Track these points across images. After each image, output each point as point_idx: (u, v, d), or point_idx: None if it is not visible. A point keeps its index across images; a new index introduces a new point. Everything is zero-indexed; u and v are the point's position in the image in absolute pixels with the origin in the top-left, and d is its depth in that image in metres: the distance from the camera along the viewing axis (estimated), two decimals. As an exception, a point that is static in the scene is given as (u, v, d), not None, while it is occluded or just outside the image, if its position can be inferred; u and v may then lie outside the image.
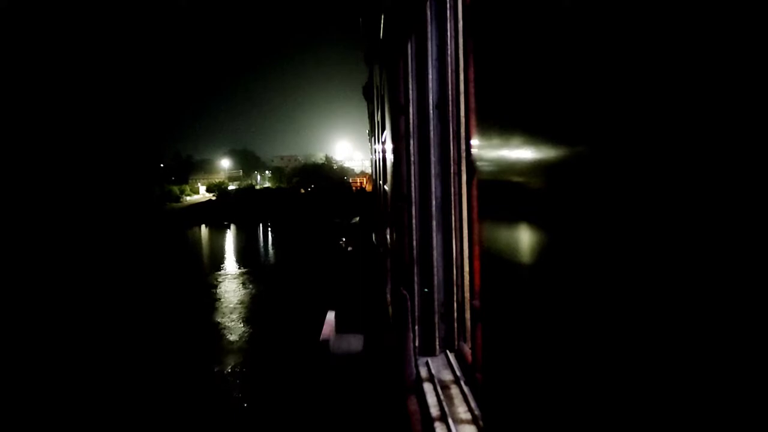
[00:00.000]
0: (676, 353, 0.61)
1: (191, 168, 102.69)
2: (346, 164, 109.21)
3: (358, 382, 5.70)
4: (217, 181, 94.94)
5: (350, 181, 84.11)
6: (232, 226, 49.02)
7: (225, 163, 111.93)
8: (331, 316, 7.50)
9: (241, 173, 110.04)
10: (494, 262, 1.48)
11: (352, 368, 6.23)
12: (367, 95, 14.76)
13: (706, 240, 0.56)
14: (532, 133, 1.09)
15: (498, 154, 1.38)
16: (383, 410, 4.35)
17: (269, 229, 46.40)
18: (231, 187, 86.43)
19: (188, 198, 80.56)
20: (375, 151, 12.13)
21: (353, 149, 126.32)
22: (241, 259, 27.19)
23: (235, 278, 21.14)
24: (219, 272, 22.80)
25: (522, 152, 1.17)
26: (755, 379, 0.50)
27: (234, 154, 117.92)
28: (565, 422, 0.96)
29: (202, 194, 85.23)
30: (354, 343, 7.01)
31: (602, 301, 0.79)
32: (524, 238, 1.18)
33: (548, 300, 1.03)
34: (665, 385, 0.63)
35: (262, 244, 36.45)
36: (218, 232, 46.16)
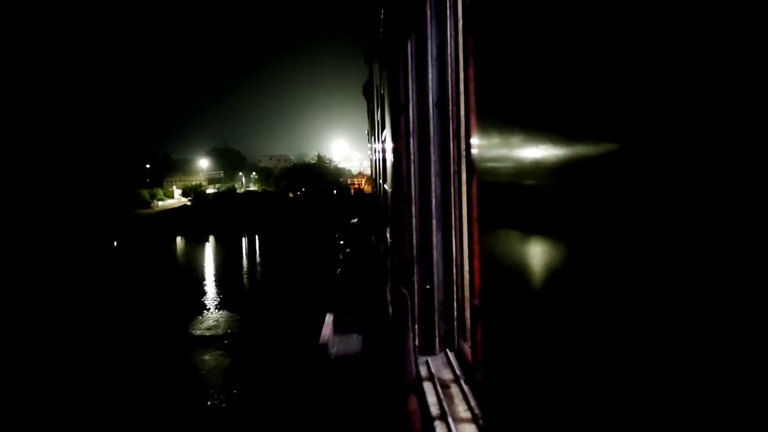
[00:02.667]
0: (676, 350, 0.61)
1: (168, 168, 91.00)
2: (343, 164, 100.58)
3: (358, 382, 5.71)
4: (193, 183, 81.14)
5: (347, 182, 76.26)
6: (211, 239, 40.36)
7: (205, 164, 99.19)
8: (329, 318, 7.51)
9: (222, 174, 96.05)
10: (494, 261, 1.48)
11: (352, 369, 6.23)
12: (367, 94, 14.76)
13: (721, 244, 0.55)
14: (533, 133, 1.10)
15: (498, 153, 1.38)
16: (383, 409, 4.35)
17: (255, 241, 38.02)
18: (210, 191, 75.38)
19: (160, 203, 68.46)
20: (375, 151, 12.13)
21: (351, 149, 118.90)
22: (224, 293, 20.55)
23: (218, 347, 14.26)
24: (195, 322, 16.27)
25: (522, 151, 1.17)
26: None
27: (216, 153, 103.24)
28: (565, 421, 0.96)
29: (178, 198, 73.78)
30: (354, 343, 7.01)
31: (602, 299, 0.79)
32: (524, 237, 1.18)
33: (548, 299, 1.03)
34: (664, 384, 0.63)
35: (247, 265, 28.98)
36: (194, 246, 37.11)
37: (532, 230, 1.12)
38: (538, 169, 1.06)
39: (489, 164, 1.49)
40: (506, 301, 1.36)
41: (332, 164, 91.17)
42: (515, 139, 1.23)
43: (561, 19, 0.92)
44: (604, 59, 0.77)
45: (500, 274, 1.42)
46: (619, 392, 0.75)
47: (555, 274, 0.99)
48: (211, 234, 42.88)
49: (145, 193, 68.09)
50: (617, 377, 0.75)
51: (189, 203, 62.05)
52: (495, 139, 1.40)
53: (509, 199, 1.30)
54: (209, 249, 36.21)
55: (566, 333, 0.94)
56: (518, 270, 1.22)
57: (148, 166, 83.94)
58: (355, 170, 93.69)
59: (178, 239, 41.26)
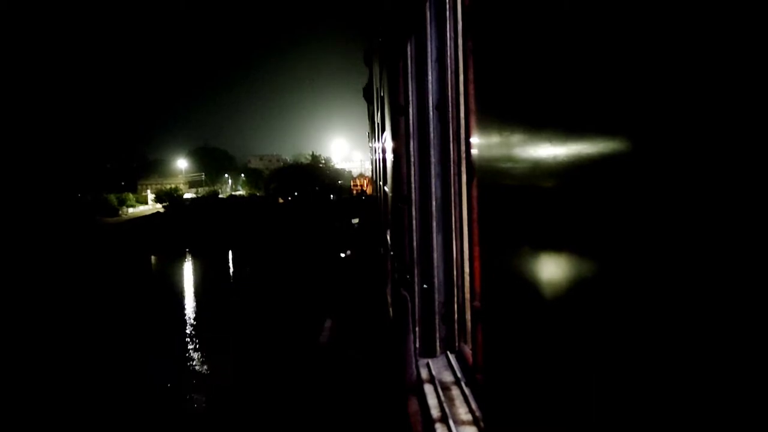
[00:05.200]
0: (675, 352, 0.61)
1: (144, 170, 78.89)
2: (342, 165, 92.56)
3: (358, 384, 5.70)
4: (168, 186, 68.71)
5: (347, 184, 70.19)
6: (189, 257, 30.85)
7: (184, 164, 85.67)
8: (330, 322, 7.52)
9: (203, 177, 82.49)
10: (495, 263, 1.47)
11: (352, 371, 6.23)
12: (367, 96, 14.77)
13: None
14: (533, 134, 1.09)
15: (498, 155, 1.37)
16: (384, 411, 4.35)
17: (241, 259, 29.51)
18: (189, 195, 65.30)
19: (130, 210, 57.47)
20: (375, 150, 12.14)
21: (351, 149, 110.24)
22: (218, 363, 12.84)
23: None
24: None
25: (522, 153, 1.17)
26: None
27: (199, 153, 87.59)
28: (565, 422, 0.95)
29: (152, 204, 62.91)
30: (354, 346, 7.02)
31: (603, 301, 0.79)
32: (525, 239, 1.17)
33: (549, 301, 1.02)
34: (665, 386, 0.63)
35: (239, 300, 19.42)
36: (169, 269, 27.88)
37: (533, 232, 1.12)
38: (538, 170, 1.06)
39: (489, 166, 1.48)
40: (507, 303, 1.36)
41: (329, 164, 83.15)
42: (516, 141, 1.22)
43: (561, 21, 0.91)
44: (605, 60, 0.76)
45: (501, 276, 1.41)
46: (618, 393, 0.74)
47: (556, 276, 0.99)
48: (187, 248, 32.75)
49: (113, 198, 56.61)
50: (616, 378, 0.75)
51: (163, 210, 53.14)
52: (495, 141, 1.40)
53: (510, 200, 1.29)
54: (187, 277, 26.17)
55: (567, 335, 0.93)
56: (519, 272, 1.22)
57: (121, 166, 71.42)
58: (355, 171, 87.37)
59: (150, 259, 31.13)
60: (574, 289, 0.90)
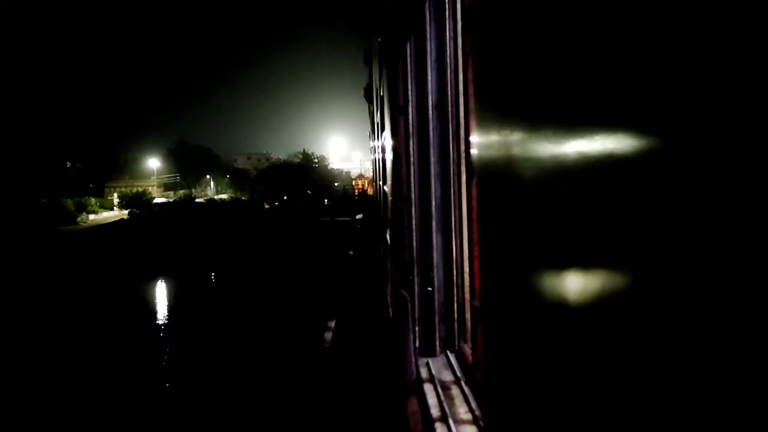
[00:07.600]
0: (681, 355, 0.61)
1: (116, 170, 68.41)
2: (341, 165, 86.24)
3: (358, 384, 5.71)
4: (135, 189, 59.62)
5: (346, 186, 63.17)
6: (161, 283, 20.68)
7: (155, 164, 75.39)
8: (332, 323, 7.54)
9: (177, 178, 72.44)
10: (494, 262, 1.48)
11: (352, 371, 6.23)
12: (368, 96, 14.77)
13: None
14: (533, 133, 1.09)
15: (498, 154, 1.37)
16: (384, 411, 4.35)
17: (236, 288, 17.91)
18: (160, 199, 56.93)
19: (92, 216, 47.93)
20: (375, 149, 12.14)
21: (351, 148, 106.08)
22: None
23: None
24: None
25: (522, 152, 1.17)
26: None
27: (177, 152, 75.48)
28: (565, 422, 0.96)
29: (117, 210, 53.91)
30: (355, 346, 7.03)
31: (602, 300, 0.79)
32: (524, 239, 1.17)
33: (549, 301, 1.02)
34: (666, 385, 0.63)
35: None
36: (133, 309, 16.29)
37: (532, 231, 1.12)
38: (538, 169, 1.06)
39: (489, 165, 1.48)
40: (507, 302, 1.36)
41: (323, 163, 74.53)
42: (515, 140, 1.22)
43: (561, 20, 0.91)
44: (605, 59, 0.76)
45: (501, 275, 1.41)
46: (618, 393, 0.74)
47: (556, 275, 0.99)
48: (160, 274, 22.13)
49: (69, 203, 47.10)
50: (616, 379, 0.75)
51: (128, 217, 45.31)
52: (494, 140, 1.40)
53: (509, 200, 1.29)
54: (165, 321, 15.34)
55: (567, 335, 0.93)
56: (519, 272, 1.22)
57: (82, 165, 59.78)
58: (355, 172, 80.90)
59: (104, 285, 19.65)
60: (574, 288, 0.90)
